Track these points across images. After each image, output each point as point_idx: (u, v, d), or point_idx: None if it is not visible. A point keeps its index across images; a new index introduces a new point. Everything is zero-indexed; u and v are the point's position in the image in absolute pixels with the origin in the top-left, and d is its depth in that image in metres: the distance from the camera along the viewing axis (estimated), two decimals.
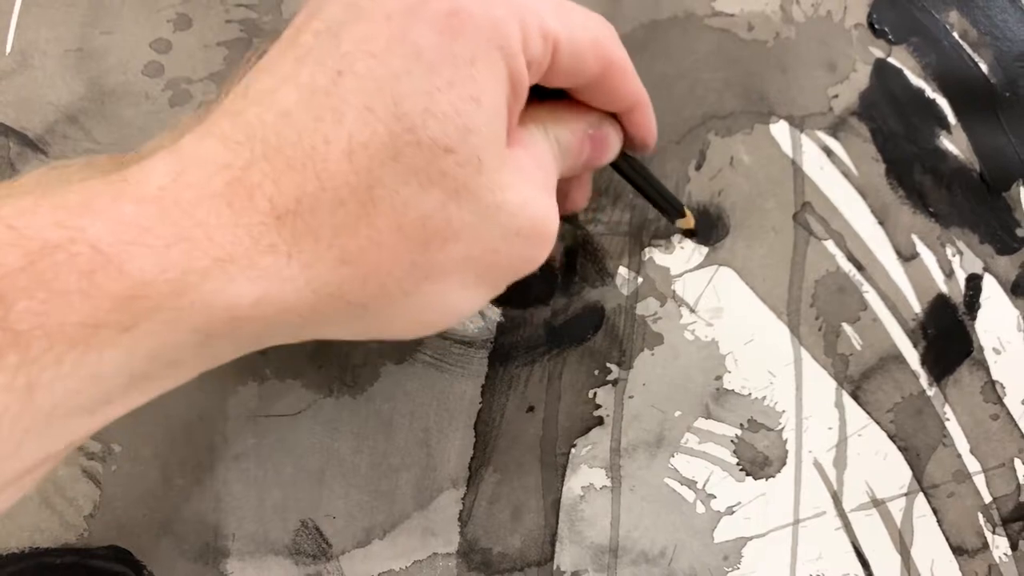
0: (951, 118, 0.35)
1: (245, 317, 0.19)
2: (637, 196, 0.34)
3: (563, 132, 0.25)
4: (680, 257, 0.34)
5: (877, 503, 0.32)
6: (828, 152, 0.34)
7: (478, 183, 0.21)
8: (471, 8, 0.20)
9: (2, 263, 0.17)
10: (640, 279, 0.34)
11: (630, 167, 0.29)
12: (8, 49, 0.34)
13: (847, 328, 0.33)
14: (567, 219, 0.34)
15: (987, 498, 0.33)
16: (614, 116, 0.26)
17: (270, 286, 0.19)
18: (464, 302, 0.23)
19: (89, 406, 0.19)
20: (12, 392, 0.17)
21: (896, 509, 0.32)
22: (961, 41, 0.35)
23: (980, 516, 0.32)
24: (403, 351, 0.32)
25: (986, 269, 0.34)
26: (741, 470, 0.33)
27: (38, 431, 0.18)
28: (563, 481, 0.32)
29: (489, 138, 0.21)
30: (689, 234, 0.34)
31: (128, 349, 0.18)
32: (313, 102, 0.20)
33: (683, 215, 0.32)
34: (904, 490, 0.33)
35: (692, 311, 0.33)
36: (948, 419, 0.33)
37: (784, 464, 0.33)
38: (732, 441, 0.33)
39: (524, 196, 0.22)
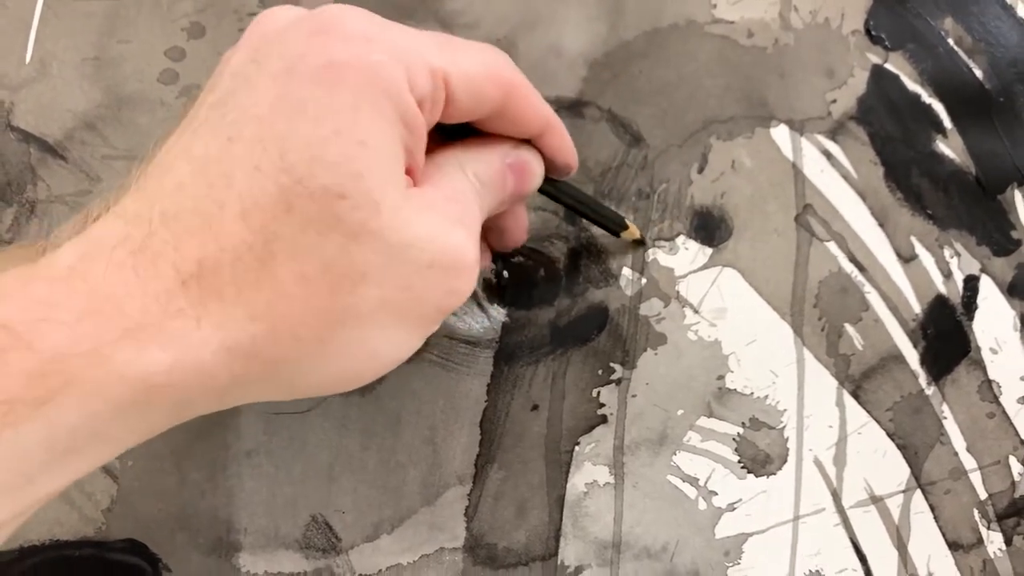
0: (947, 122, 0.35)
1: (163, 384, 0.19)
2: (640, 199, 0.34)
3: (480, 166, 0.24)
4: (684, 258, 0.34)
5: (876, 500, 0.33)
6: (828, 155, 0.35)
7: (379, 223, 0.20)
8: (347, 58, 0.20)
9: None
10: (644, 280, 0.34)
11: (560, 191, 0.29)
12: (28, 58, 0.35)
13: (849, 328, 0.34)
14: (572, 219, 0.34)
15: (983, 495, 0.33)
16: (530, 143, 0.26)
17: (183, 351, 0.19)
18: (389, 345, 0.22)
19: (12, 484, 0.19)
20: None
21: (894, 506, 0.33)
22: (956, 47, 0.36)
23: (976, 512, 0.33)
24: None
25: (983, 270, 0.34)
26: (742, 467, 0.33)
27: None
28: (567, 478, 0.32)
29: (383, 179, 0.20)
30: (638, 244, 0.34)
31: (47, 424, 0.18)
32: (206, 171, 0.20)
33: (626, 227, 0.32)
34: (902, 487, 0.33)
35: (696, 312, 0.34)
36: (946, 418, 0.33)
37: (785, 462, 0.33)
38: (734, 439, 0.33)
39: (431, 230, 0.22)
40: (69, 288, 0.19)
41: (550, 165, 0.27)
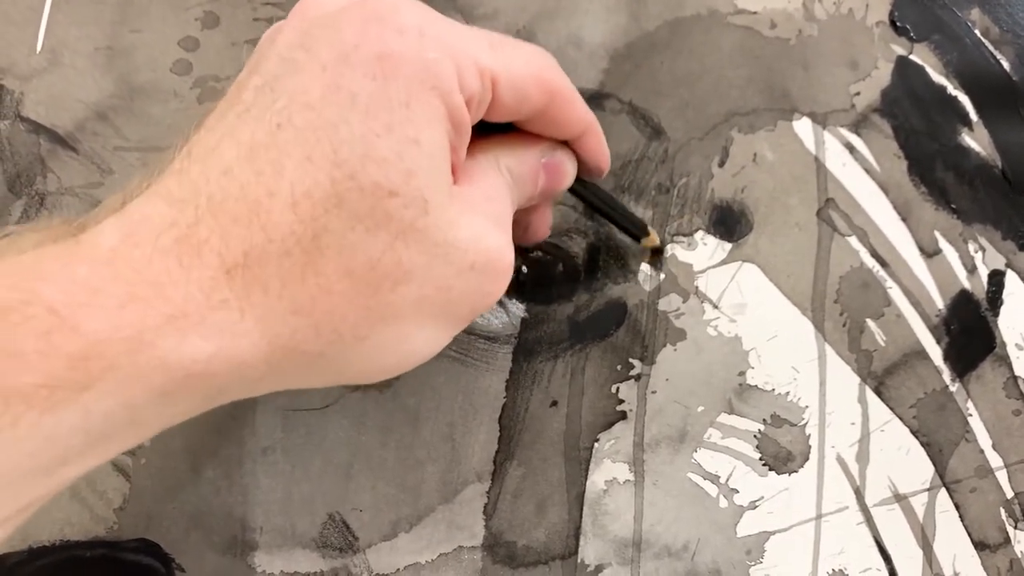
0: (973, 115, 0.34)
1: (201, 373, 0.19)
2: (660, 193, 0.33)
3: (515, 163, 0.24)
4: (703, 253, 0.33)
5: (899, 498, 0.32)
6: (851, 149, 0.34)
7: (426, 223, 0.20)
8: (402, 51, 0.20)
9: None
10: (663, 275, 0.33)
11: (588, 192, 0.29)
12: (39, 47, 0.34)
13: (871, 324, 0.33)
14: (591, 215, 0.33)
15: (1009, 493, 0.32)
16: (566, 143, 0.26)
17: (224, 341, 0.19)
18: (423, 342, 0.22)
19: (46, 467, 0.18)
20: None
21: (918, 504, 0.32)
22: (983, 38, 0.35)
23: (1002, 511, 0.32)
24: None
25: (1008, 265, 0.33)
26: (764, 465, 0.32)
27: None
28: (587, 475, 0.32)
29: (432, 177, 0.20)
30: (656, 252, 0.33)
31: (85, 409, 0.18)
32: (253, 156, 0.19)
33: (647, 234, 0.32)
34: (926, 485, 0.32)
35: (715, 307, 0.33)
36: (971, 415, 0.32)
37: (807, 459, 0.32)
38: (755, 436, 0.32)
39: (475, 231, 0.21)
40: (112, 272, 0.18)
41: (582, 166, 0.27)
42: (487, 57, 0.21)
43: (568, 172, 0.26)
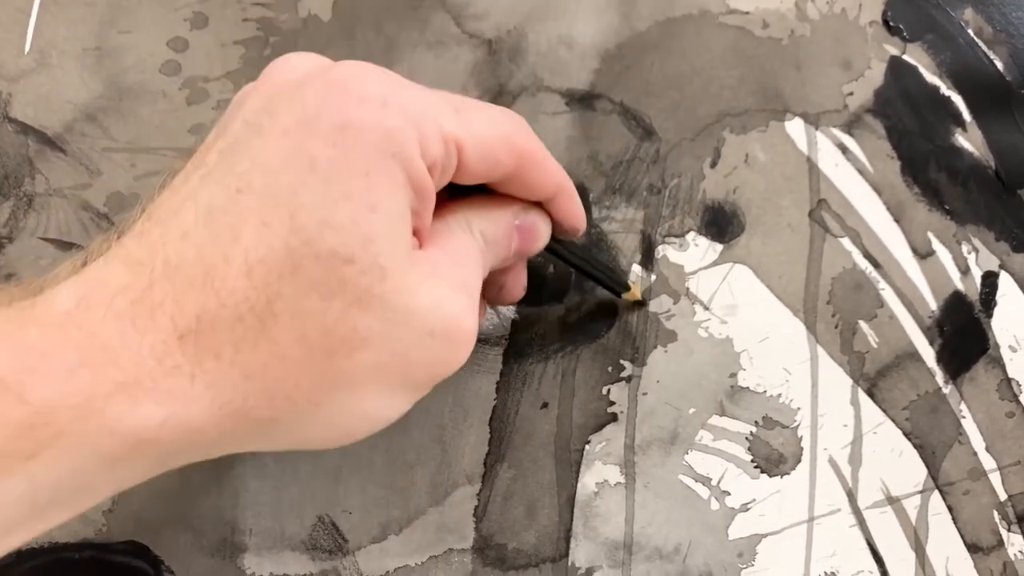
0: (966, 115, 0.34)
1: (152, 439, 0.19)
2: (651, 194, 0.33)
3: (487, 225, 0.24)
4: (694, 255, 0.33)
5: (892, 501, 0.31)
6: (843, 149, 0.33)
7: (383, 289, 0.20)
8: (363, 119, 0.20)
9: None
10: (654, 276, 0.32)
11: (564, 250, 0.28)
12: (27, 48, 0.33)
13: (863, 325, 0.32)
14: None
15: (1003, 495, 0.31)
16: (540, 204, 0.25)
17: (175, 407, 0.19)
18: (381, 409, 0.22)
19: None
20: None
21: (911, 507, 0.31)
22: (976, 38, 0.34)
23: (995, 514, 0.31)
24: None
25: (1002, 267, 0.33)
26: (756, 467, 0.31)
27: None
28: (577, 477, 0.31)
29: (391, 244, 0.20)
30: (639, 305, 0.32)
31: (31, 478, 0.17)
32: (212, 220, 0.19)
33: (628, 288, 0.31)
34: (919, 488, 0.31)
35: (706, 308, 0.32)
36: (964, 417, 0.32)
37: (799, 461, 0.31)
38: (747, 438, 0.31)
39: (436, 297, 0.21)
40: (64, 336, 0.18)
41: (557, 227, 0.26)
42: (451, 123, 0.21)
43: (542, 233, 0.26)
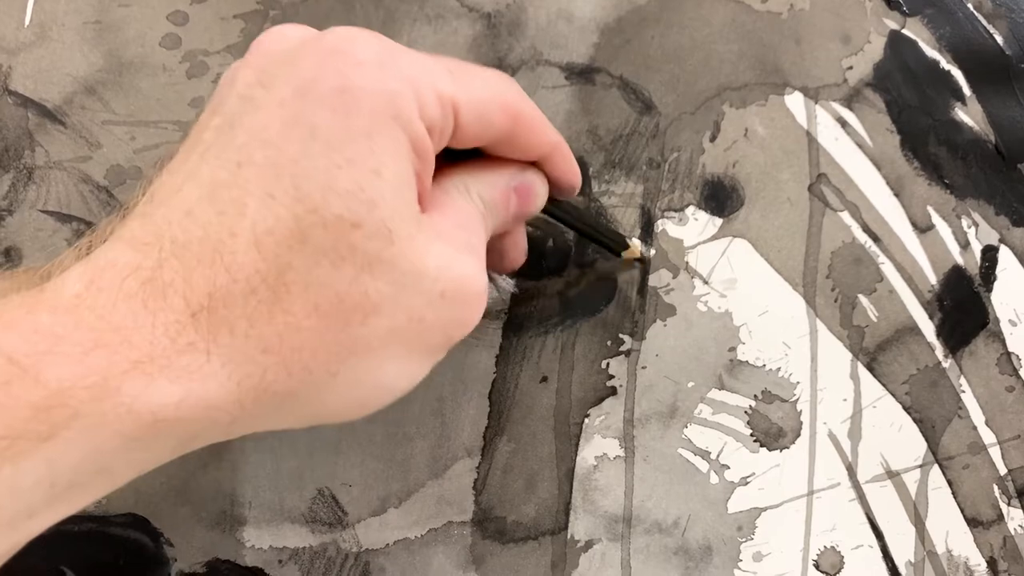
0: (966, 90, 0.33)
1: (170, 418, 0.18)
2: (651, 168, 0.33)
3: (485, 188, 0.23)
4: (694, 229, 0.32)
5: (892, 475, 0.31)
6: (843, 123, 0.33)
7: (392, 253, 0.19)
8: (361, 83, 0.19)
9: None
10: (653, 250, 0.32)
11: (562, 211, 0.28)
12: (27, 21, 0.33)
13: (863, 299, 0.32)
14: (581, 190, 0.32)
15: (1002, 470, 0.31)
16: (535, 164, 0.25)
17: (192, 385, 0.18)
18: (398, 376, 0.21)
19: (10, 520, 0.18)
20: None
21: (911, 481, 0.31)
22: (976, 13, 0.34)
23: (995, 488, 0.31)
24: None
25: (1002, 241, 0.32)
26: (755, 441, 0.31)
27: None
28: (577, 451, 0.31)
29: (396, 208, 0.20)
30: (640, 262, 0.32)
31: (48, 459, 0.17)
32: (215, 196, 0.19)
33: (627, 247, 0.30)
34: (919, 462, 0.31)
35: (706, 282, 0.32)
36: (963, 391, 0.31)
37: (798, 435, 0.31)
38: (746, 412, 0.31)
39: (444, 259, 0.21)
40: (76, 319, 0.18)
41: (553, 186, 0.26)
42: (447, 85, 0.21)
43: (539, 193, 0.25)
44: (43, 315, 0.18)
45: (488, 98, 0.22)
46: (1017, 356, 0.31)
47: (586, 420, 0.31)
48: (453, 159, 0.23)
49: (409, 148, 0.20)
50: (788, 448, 0.31)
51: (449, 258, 0.21)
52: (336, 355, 0.20)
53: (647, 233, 0.32)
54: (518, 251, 0.28)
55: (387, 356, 0.21)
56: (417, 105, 0.20)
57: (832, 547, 0.30)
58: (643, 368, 0.31)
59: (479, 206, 0.23)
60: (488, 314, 0.31)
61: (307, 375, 0.20)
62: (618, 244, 0.30)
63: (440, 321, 0.21)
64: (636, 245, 0.31)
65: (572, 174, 0.26)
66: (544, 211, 0.26)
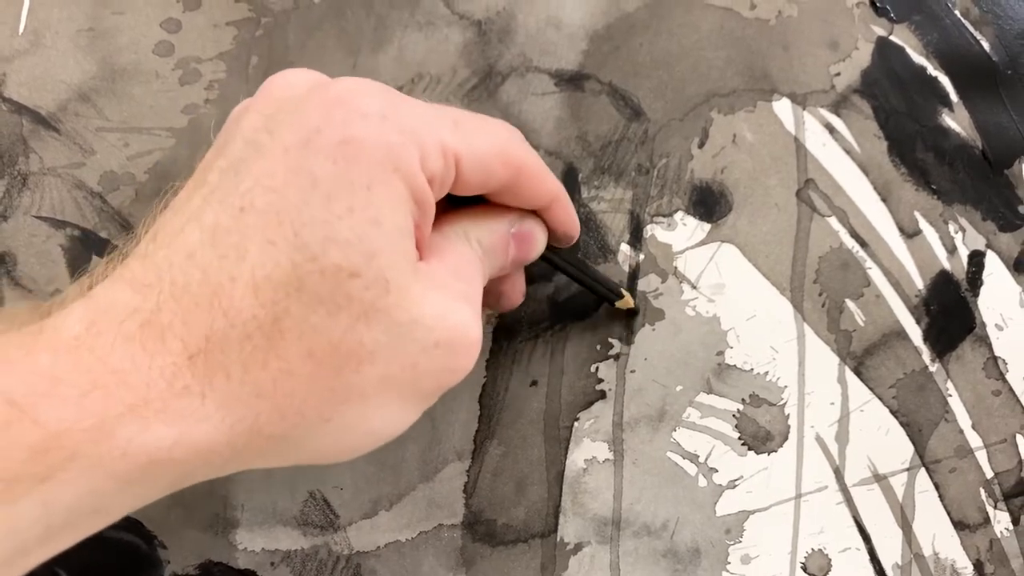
0: (953, 96, 0.33)
1: (164, 460, 0.18)
2: (640, 174, 0.32)
3: (485, 234, 0.24)
4: (682, 234, 0.32)
5: (879, 478, 0.31)
6: (830, 129, 0.33)
7: (388, 303, 0.20)
8: (364, 135, 0.19)
9: None
10: (642, 255, 0.32)
11: (559, 259, 0.28)
12: (21, 29, 0.33)
13: (850, 304, 0.32)
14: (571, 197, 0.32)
15: (989, 473, 0.31)
16: (535, 212, 0.25)
17: (186, 428, 0.18)
18: (389, 421, 0.22)
19: (7, 559, 0.18)
20: None
21: (898, 484, 0.31)
22: (963, 19, 0.33)
23: (982, 491, 0.31)
24: None
25: (988, 246, 0.32)
26: (743, 444, 0.31)
27: None
28: (566, 454, 0.31)
29: (394, 257, 0.20)
30: (630, 314, 0.31)
31: (44, 501, 0.17)
32: (216, 240, 0.19)
33: (621, 296, 0.30)
34: (906, 465, 0.31)
35: (694, 287, 0.32)
36: (950, 395, 0.31)
37: (786, 439, 0.31)
38: (734, 416, 0.31)
39: (440, 308, 0.21)
40: (75, 361, 0.18)
41: (552, 235, 0.26)
42: (450, 137, 0.21)
43: (538, 241, 0.26)
44: (42, 356, 0.18)
45: (490, 150, 0.22)
46: (1003, 360, 0.31)
47: (575, 424, 0.31)
48: (455, 205, 0.23)
49: (409, 198, 0.20)
50: (776, 451, 0.31)
51: (445, 308, 0.21)
52: (329, 401, 0.20)
53: (636, 238, 0.32)
54: (516, 293, 0.28)
55: (380, 403, 0.21)
56: (419, 157, 0.20)
57: (820, 550, 0.30)
58: (632, 372, 0.31)
59: (477, 251, 0.23)
60: None
61: (300, 420, 0.20)
62: (614, 294, 0.30)
63: (433, 369, 0.21)
64: (628, 297, 0.31)
65: (571, 224, 0.26)
66: (542, 257, 0.27)
